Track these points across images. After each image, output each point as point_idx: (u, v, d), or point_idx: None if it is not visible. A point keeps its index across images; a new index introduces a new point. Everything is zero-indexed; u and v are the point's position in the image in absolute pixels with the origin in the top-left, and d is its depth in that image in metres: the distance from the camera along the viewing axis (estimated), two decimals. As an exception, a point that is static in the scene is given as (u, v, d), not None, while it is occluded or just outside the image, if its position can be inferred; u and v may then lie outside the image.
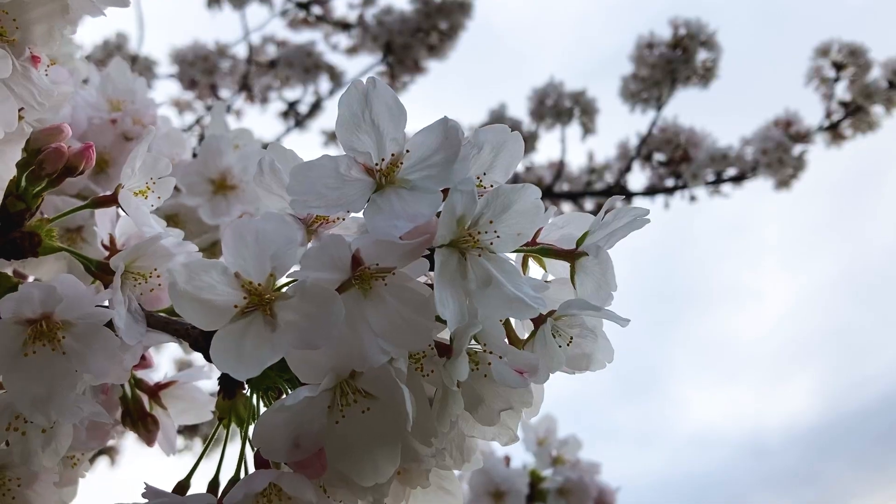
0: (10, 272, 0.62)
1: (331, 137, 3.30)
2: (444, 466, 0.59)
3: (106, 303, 0.56)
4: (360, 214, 0.58)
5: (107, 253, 0.67)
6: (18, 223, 0.55)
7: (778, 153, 3.20)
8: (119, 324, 0.54)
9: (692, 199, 3.42)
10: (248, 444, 0.59)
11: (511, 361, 0.54)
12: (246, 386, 0.60)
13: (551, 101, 3.06)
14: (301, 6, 3.62)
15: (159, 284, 0.60)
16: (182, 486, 0.58)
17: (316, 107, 3.45)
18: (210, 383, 0.75)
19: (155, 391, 0.71)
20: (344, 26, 3.68)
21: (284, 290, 0.50)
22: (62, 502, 0.66)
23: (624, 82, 3.18)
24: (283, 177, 0.56)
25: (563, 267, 0.63)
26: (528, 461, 1.49)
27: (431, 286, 0.54)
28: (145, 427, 0.70)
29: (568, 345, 0.60)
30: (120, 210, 0.67)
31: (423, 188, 0.52)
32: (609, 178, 3.59)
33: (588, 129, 3.12)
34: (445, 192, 0.52)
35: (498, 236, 0.53)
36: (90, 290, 0.51)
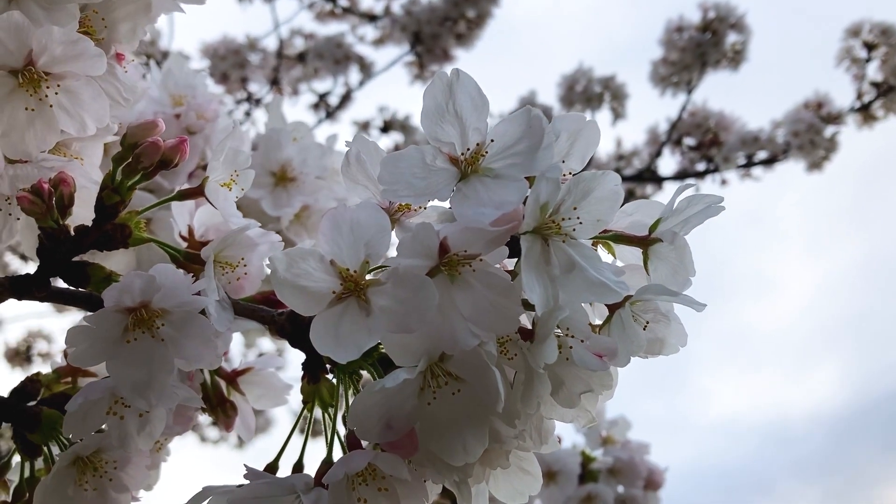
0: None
1: (362, 128, 3.32)
2: (524, 448, 0.60)
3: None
4: (440, 203, 0.60)
5: (184, 244, 0.69)
6: (112, 215, 0.57)
7: (809, 135, 3.17)
8: (212, 311, 0.56)
9: (723, 182, 3.41)
10: (331, 426, 0.61)
11: (590, 345, 0.56)
12: (329, 370, 0.62)
13: (581, 87, 3.06)
14: (328, -2, 3.64)
15: (245, 273, 0.62)
16: (272, 468, 0.60)
17: (346, 98, 3.47)
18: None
19: (233, 377, 0.73)
20: (370, 17, 3.69)
21: (378, 276, 0.51)
22: (148, 485, 0.68)
23: (654, 66, 3.17)
24: (367, 167, 0.57)
25: (631, 253, 0.64)
26: (577, 442, 1.51)
27: (508, 273, 0.56)
28: (224, 412, 0.72)
29: (644, 329, 0.61)
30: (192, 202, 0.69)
31: (507, 176, 0.54)
32: (637, 164, 3.58)
33: (618, 115, 3.12)
34: (528, 179, 0.53)
35: (580, 222, 0.54)
36: (188, 279, 0.53)
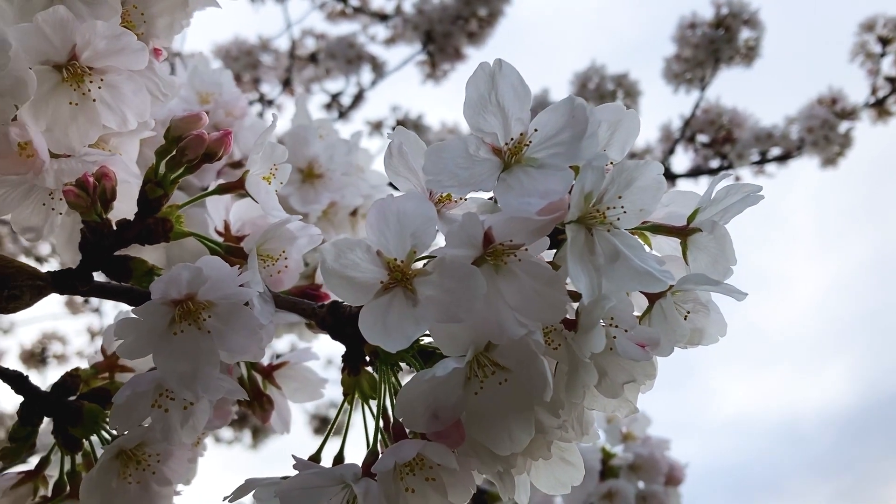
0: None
1: (374, 128, 3.32)
2: (566, 439, 0.60)
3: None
4: (480, 194, 0.60)
5: (220, 239, 0.69)
6: (155, 209, 0.58)
7: (824, 131, 3.16)
8: (255, 303, 0.56)
9: (736, 179, 3.39)
10: (371, 416, 0.62)
11: (632, 335, 0.56)
12: (369, 362, 0.62)
13: (594, 85, 3.06)
14: (339, -2, 3.65)
15: (286, 266, 0.62)
16: (316, 460, 0.60)
17: (358, 98, 3.47)
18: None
19: (269, 372, 0.73)
20: (382, 17, 3.69)
21: (424, 266, 0.51)
22: (186, 479, 0.68)
23: (667, 63, 3.16)
24: (409, 159, 0.57)
25: (668, 244, 0.64)
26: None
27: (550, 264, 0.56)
28: (261, 406, 0.72)
29: (685, 319, 0.61)
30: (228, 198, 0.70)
31: (551, 165, 0.53)
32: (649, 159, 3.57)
33: (631, 112, 3.11)
34: (571, 168, 0.53)
35: (624, 212, 0.54)
36: (234, 271, 0.54)
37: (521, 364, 0.52)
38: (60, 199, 0.60)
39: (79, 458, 0.67)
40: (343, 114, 3.46)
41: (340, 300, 0.61)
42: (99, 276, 0.62)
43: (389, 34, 3.70)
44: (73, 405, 0.64)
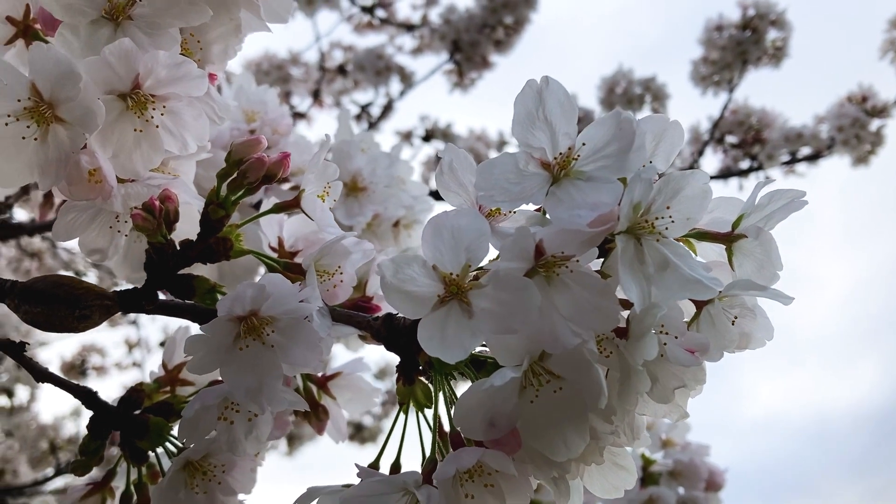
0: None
1: (404, 138, 3.35)
2: (618, 444, 0.62)
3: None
4: (528, 207, 0.62)
5: (275, 254, 0.71)
6: (217, 229, 0.60)
7: (855, 129, 3.13)
8: (315, 317, 0.58)
9: (767, 180, 3.37)
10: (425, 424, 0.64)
11: (682, 341, 0.57)
12: (423, 372, 0.64)
13: (621, 89, 3.06)
14: (366, 10, 3.68)
15: (341, 281, 0.64)
16: (375, 468, 0.62)
17: (388, 108, 3.51)
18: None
19: (324, 382, 0.75)
20: (408, 27, 3.73)
21: (479, 279, 0.53)
22: (248, 489, 0.70)
23: (694, 66, 3.16)
24: (459, 175, 0.59)
25: (712, 250, 0.65)
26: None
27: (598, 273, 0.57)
28: (317, 416, 0.74)
29: (732, 324, 0.62)
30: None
31: (599, 178, 0.55)
32: (678, 162, 3.57)
33: (659, 116, 3.11)
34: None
35: (672, 221, 0.56)
36: (295, 287, 0.56)
37: (576, 373, 0.53)
38: (126, 222, 0.63)
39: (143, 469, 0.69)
40: (373, 124, 3.49)
41: (394, 312, 0.63)
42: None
43: (416, 44, 3.74)
44: (139, 419, 0.66)
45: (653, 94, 3.07)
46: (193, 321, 0.64)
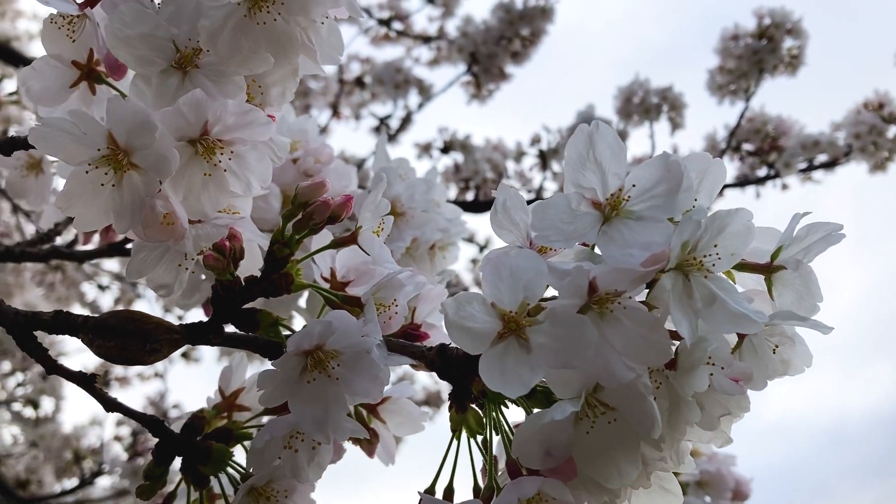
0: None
1: (423, 150, 3.39)
2: (664, 469, 0.64)
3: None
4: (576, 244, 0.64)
5: (327, 284, 0.74)
6: (281, 266, 0.63)
7: (872, 136, 3.14)
8: (374, 350, 0.61)
9: (784, 187, 3.39)
10: (477, 451, 0.66)
11: (726, 371, 0.59)
12: (475, 400, 0.67)
13: (638, 99, 3.08)
14: (382, 23, 3.73)
15: (396, 313, 0.67)
16: (430, 492, 0.64)
17: (406, 120, 3.54)
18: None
19: (374, 406, 0.78)
20: (425, 39, 3.77)
21: (536, 316, 0.56)
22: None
23: (710, 75, 3.17)
24: (512, 213, 0.62)
25: (750, 278, 0.68)
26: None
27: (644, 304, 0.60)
28: (368, 440, 0.77)
29: (774, 352, 0.64)
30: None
31: (649, 218, 0.58)
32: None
33: (676, 125, 3.13)
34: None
35: (719, 257, 0.58)
36: (359, 323, 0.59)
37: (630, 405, 0.56)
38: (191, 259, 0.66)
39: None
40: (392, 137, 3.53)
41: (447, 343, 0.66)
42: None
43: (433, 56, 3.77)
44: (202, 445, 0.69)
45: (670, 103, 3.09)
46: (257, 353, 0.67)
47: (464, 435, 0.67)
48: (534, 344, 0.55)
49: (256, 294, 0.64)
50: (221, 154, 0.62)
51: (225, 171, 0.62)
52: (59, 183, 1.09)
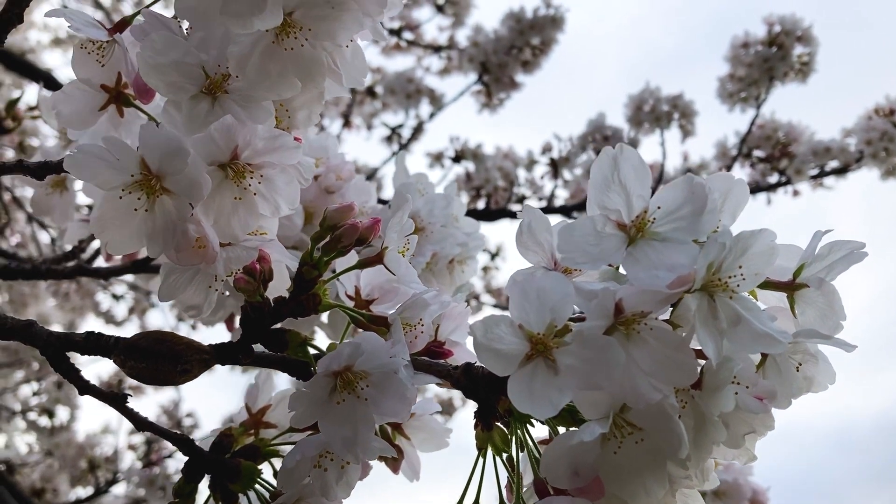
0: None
1: (435, 159, 3.40)
2: (689, 486, 0.65)
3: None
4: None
5: (351, 302, 0.75)
6: (309, 287, 0.64)
7: (883, 143, 3.14)
8: (402, 370, 0.62)
9: (795, 194, 3.39)
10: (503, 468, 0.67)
11: (751, 389, 0.60)
12: (500, 418, 0.68)
13: (649, 107, 3.09)
14: (393, 32, 3.74)
15: (421, 332, 0.68)
16: (458, 512, 0.65)
17: (418, 130, 3.56)
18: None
19: (398, 423, 0.78)
20: (435, 49, 3.79)
21: (564, 337, 0.57)
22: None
23: (721, 83, 3.18)
24: (536, 234, 0.63)
25: (773, 295, 0.68)
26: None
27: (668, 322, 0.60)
28: (393, 457, 0.78)
29: (797, 370, 0.65)
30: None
31: (674, 239, 0.58)
32: (704, 176, 3.58)
33: (687, 132, 3.13)
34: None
35: (743, 278, 0.59)
36: (387, 344, 0.59)
37: (657, 425, 0.57)
38: (220, 280, 0.67)
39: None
40: (403, 146, 3.55)
41: (472, 362, 0.67)
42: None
43: (443, 65, 3.79)
44: (231, 463, 0.70)
45: (680, 111, 3.09)
46: (284, 372, 0.67)
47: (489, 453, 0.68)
48: (561, 365, 0.56)
49: (285, 315, 0.65)
50: (251, 178, 0.63)
51: (254, 194, 0.63)
52: (82, 199, 1.10)
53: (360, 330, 0.70)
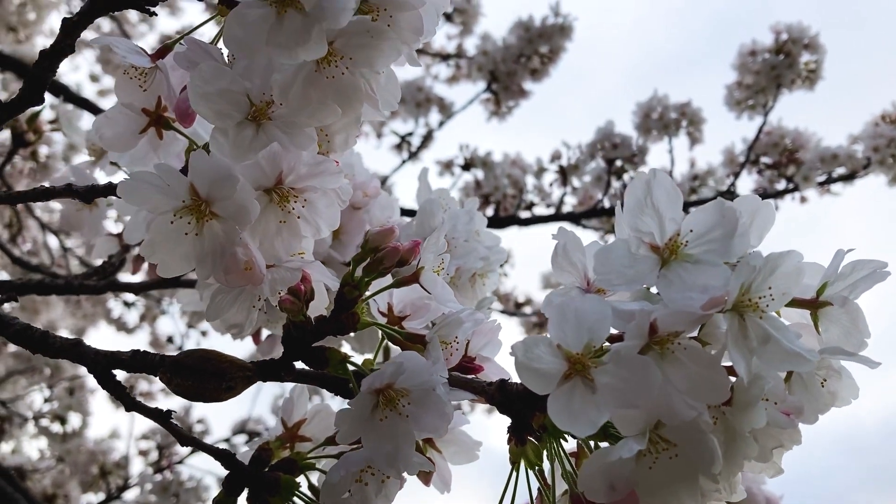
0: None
1: (445, 167, 3.43)
2: (719, 499, 0.67)
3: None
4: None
5: (384, 318, 0.77)
6: (350, 307, 0.66)
7: (891, 149, 3.16)
8: (440, 387, 0.64)
9: (803, 200, 3.41)
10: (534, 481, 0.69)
11: (779, 405, 0.62)
12: (533, 433, 0.70)
13: (657, 114, 3.11)
14: (402, 40, 3.75)
15: (456, 349, 0.70)
16: (494, 524, 0.67)
17: (427, 138, 3.58)
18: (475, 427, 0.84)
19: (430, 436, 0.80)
20: (444, 57, 3.81)
21: (601, 357, 0.59)
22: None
23: (728, 90, 3.20)
24: (571, 255, 0.65)
25: (796, 312, 0.70)
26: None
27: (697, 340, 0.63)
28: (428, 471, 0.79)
29: (822, 385, 0.67)
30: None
31: (706, 261, 0.61)
32: (712, 182, 3.60)
33: (695, 140, 3.16)
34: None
35: (772, 298, 0.61)
36: (429, 364, 0.61)
37: (691, 441, 0.59)
38: (262, 300, 0.69)
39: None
40: (413, 154, 3.57)
41: (506, 378, 0.69)
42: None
43: (451, 73, 3.82)
44: (270, 476, 0.72)
45: (689, 118, 3.12)
46: (324, 388, 0.70)
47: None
48: (599, 384, 0.58)
49: (326, 333, 0.67)
50: (294, 202, 0.65)
51: (297, 217, 0.66)
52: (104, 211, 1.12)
53: (391, 343, 0.73)
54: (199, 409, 4.86)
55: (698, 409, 0.58)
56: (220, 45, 0.69)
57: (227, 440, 3.73)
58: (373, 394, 0.62)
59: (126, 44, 0.71)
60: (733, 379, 0.61)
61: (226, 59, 0.68)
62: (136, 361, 0.68)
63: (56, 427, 3.44)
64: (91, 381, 3.81)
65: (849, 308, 0.66)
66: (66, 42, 0.65)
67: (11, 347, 3.39)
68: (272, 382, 0.72)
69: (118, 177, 1.00)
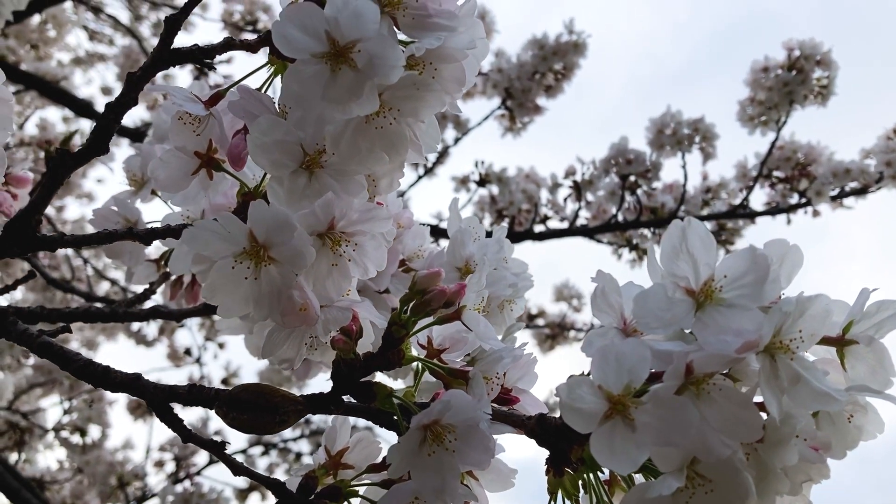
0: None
1: (461, 183, 3.47)
2: (750, 529, 0.70)
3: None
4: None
5: (424, 352, 0.81)
6: (397, 345, 0.69)
7: (903, 164, 3.18)
8: (484, 422, 0.67)
9: (815, 214, 3.43)
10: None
11: (808, 441, 0.65)
12: (570, 465, 0.73)
13: (670, 130, 3.14)
14: (417, 56, 3.80)
15: (497, 384, 0.73)
16: (535, 553, 0.70)
17: (443, 154, 3.62)
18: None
19: (467, 465, 0.84)
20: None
21: (640, 397, 0.62)
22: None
23: (741, 107, 3.23)
24: (609, 297, 0.68)
25: (822, 348, 0.73)
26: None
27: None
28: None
29: (849, 421, 0.70)
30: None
31: (739, 305, 0.64)
32: (724, 195, 3.63)
33: (708, 155, 3.19)
34: (754, 306, 0.64)
35: (802, 340, 0.64)
36: (475, 401, 0.65)
37: (726, 478, 0.62)
38: (312, 336, 0.73)
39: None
40: (429, 170, 3.61)
41: (545, 412, 0.72)
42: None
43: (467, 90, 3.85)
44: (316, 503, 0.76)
45: (701, 134, 3.15)
46: (371, 421, 0.73)
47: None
48: (639, 423, 0.61)
49: (374, 369, 0.70)
50: (346, 245, 0.69)
51: (348, 259, 0.69)
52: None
53: (429, 373, 0.76)
54: (216, 423, 4.89)
55: (733, 447, 0.61)
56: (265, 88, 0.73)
57: (244, 451, 3.77)
58: (421, 429, 0.65)
59: (182, 92, 0.74)
60: (765, 416, 0.65)
61: (276, 106, 0.72)
62: (193, 395, 0.72)
63: (76, 438, 3.48)
64: (109, 393, 3.86)
65: (875, 347, 0.69)
66: (131, 95, 0.69)
67: (31, 359, 3.44)
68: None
69: (159, 207, 1.04)
